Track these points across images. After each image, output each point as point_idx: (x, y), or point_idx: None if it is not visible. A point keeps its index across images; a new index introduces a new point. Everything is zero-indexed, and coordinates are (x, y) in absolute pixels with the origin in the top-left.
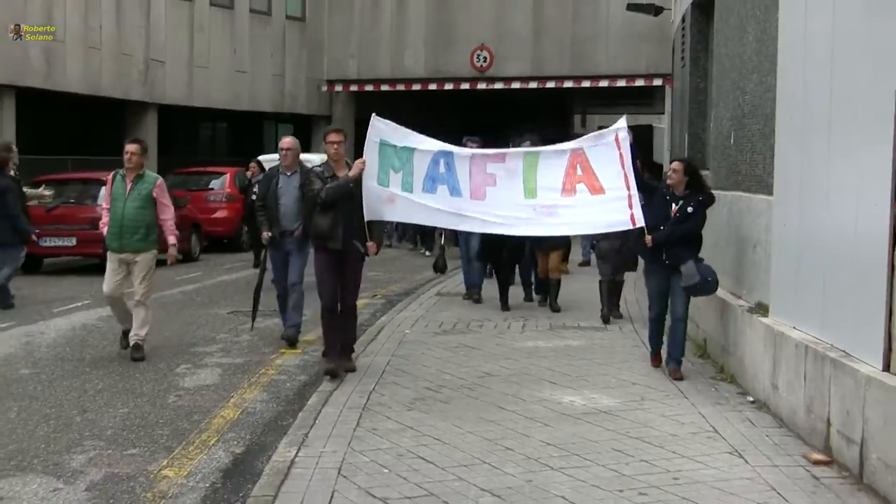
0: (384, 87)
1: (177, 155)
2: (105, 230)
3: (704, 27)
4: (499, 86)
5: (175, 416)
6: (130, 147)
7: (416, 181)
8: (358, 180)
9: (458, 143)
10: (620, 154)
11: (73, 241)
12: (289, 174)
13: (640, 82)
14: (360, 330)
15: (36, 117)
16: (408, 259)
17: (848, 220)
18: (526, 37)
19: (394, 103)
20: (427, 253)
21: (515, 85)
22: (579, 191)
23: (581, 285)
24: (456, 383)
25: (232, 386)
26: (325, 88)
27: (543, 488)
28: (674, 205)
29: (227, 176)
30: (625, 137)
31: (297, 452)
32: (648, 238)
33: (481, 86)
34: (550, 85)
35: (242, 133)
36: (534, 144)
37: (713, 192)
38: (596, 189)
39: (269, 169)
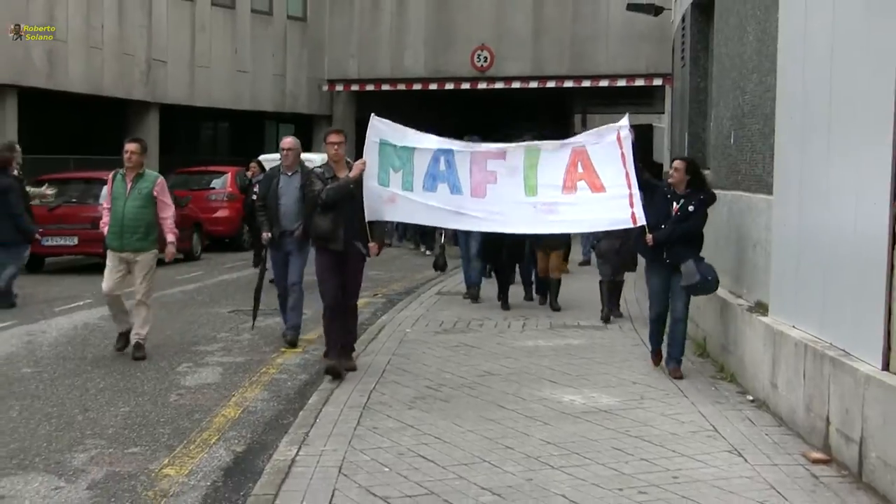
0: (385, 87)
1: (178, 154)
2: (106, 230)
3: (704, 27)
4: (499, 86)
5: (176, 414)
6: (130, 146)
7: (417, 180)
8: (358, 181)
9: None
10: (622, 152)
11: (75, 241)
12: (289, 174)
13: (640, 82)
14: (360, 329)
15: (38, 117)
16: (408, 258)
17: (847, 220)
18: (526, 37)
19: (394, 103)
20: (428, 252)
21: (516, 85)
22: (580, 188)
23: (581, 284)
24: (456, 382)
25: (233, 385)
26: (325, 88)
27: (543, 487)
28: (675, 203)
29: (229, 175)
30: (627, 136)
31: (297, 451)
32: (649, 237)
33: (481, 86)
34: (551, 85)
35: (244, 133)
36: None
37: (714, 191)
38: (597, 187)
39: (270, 169)
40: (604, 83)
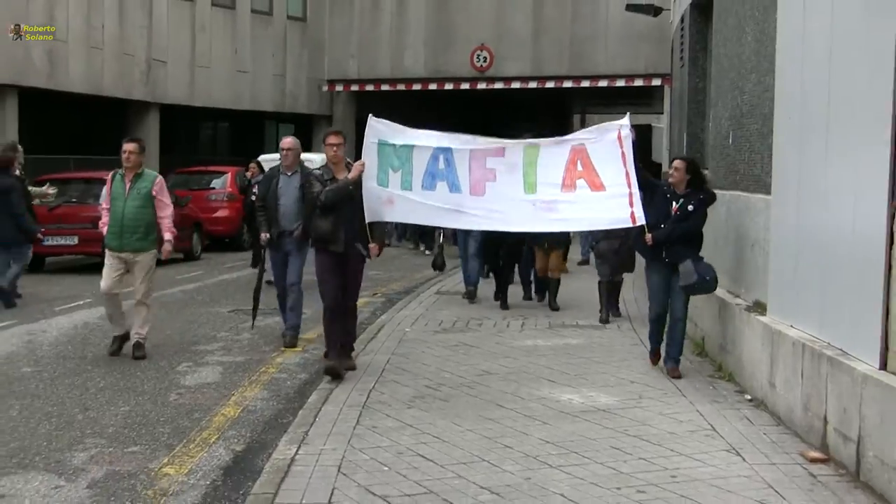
0: (384, 87)
1: (178, 154)
2: (105, 230)
3: (703, 27)
4: (498, 86)
5: (176, 413)
6: (128, 146)
7: (416, 179)
8: (358, 182)
9: None
10: (622, 151)
11: (75, 240)
12: (289, 174)
13: (639, 82)
14: (360, 328)
15: (38, 117)
16: (407, 258)
17: (845, 220)
18: (525, 37)
19: (394, 103)
20: (427, 251)
21: (515, 85)
22: (579, 187)
23: (580, 284)
24: (455, 381)
25: (233, 384)
26: (325, 88)
27: (542, 486)
28: (674, 203)
29: (229, 175)
30: (627, 135)
31: (297, 450)
32: (649, 236)
33: (481, 86)
34: (550, 85)
35: (244, 133)
36: None
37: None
38: (596, 185)
39: (270, 169)
40: (603, 83)
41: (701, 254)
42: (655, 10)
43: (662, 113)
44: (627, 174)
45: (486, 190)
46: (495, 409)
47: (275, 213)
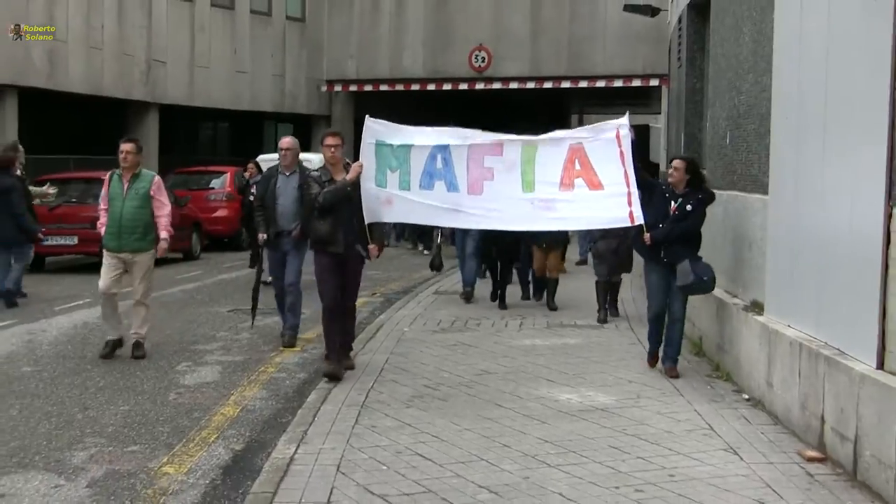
0: (383, 88)
1: (178, 154)
2: (102, 231)
3: (701, 28)
4: (497, 86)
5: (175, 413)
6: (125, 146)
7: (414, 178)
8: (356, 183)
9: None
10: (621, 150)
11: (75, 240)
12: (287, 174)
13: (636, 82)
14: (359, 328)
15: (38, 117)
16: (406, 258)
17: (842, 220)
18: (524, 37)
19: (393, 103)
20: (426, 251)
21: (513, 85)
22: (577, 186)
23: (578, 284)
24: (454, 381)
25: (232, 383)
26: (324, 88)
27: (540, 485)
28: (673, 203)
29: (228, 175)
30: (626, 134)
31: (296, 449)
32: (647, 236)
33: (479, 86)
34: (548, 85)
35: (243, 133)
36: None
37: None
38: (594, 185)
39: (268, 169)
40: (601, 84)
41: (699, 254)
42: (653, 11)
43: (660, 113)
44: (626, 173)
45: (483, 189)
46: (494, 408)
47: (273, 212)
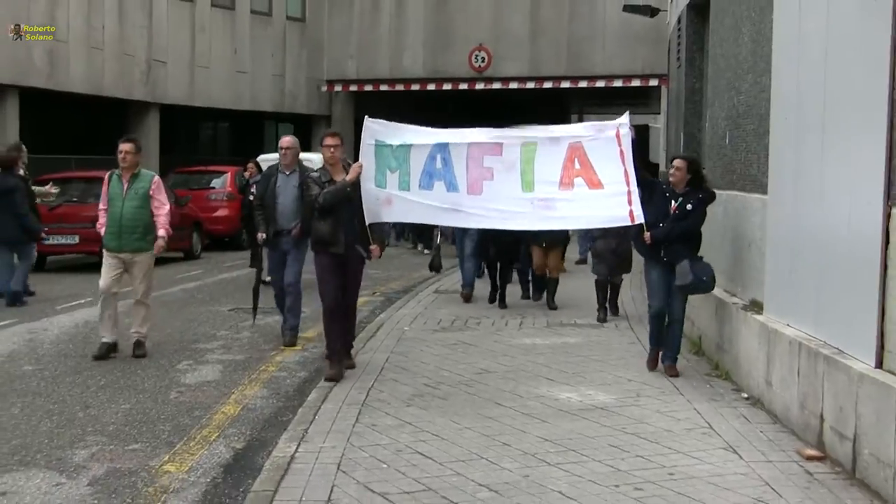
0: (383, 88)
1: (178, 154)
2: (102, 231)
3: (700, 28)
4: (496, 86)
5: (176, 411)
6: (124, 146)
7: (413, 179)
8: (356, 184)
9: None
10: (621, 150)
11: (76, 240)
12: (287, 173)
13: (636, 83)
14: (359, 327)
15: (39, 117)
16: (406, 257)
17: (841, 219)
18: (523, 37)
19: (393, 103)
20: (426, 251)
21: (513, 85)
22: (577, 185)
23: (578, 283)
24: (454, 380)
25: (233, 382)
26: (324, 88)
27: (540, 483)
28: (673, 202)
29: (228, 175)
30: (626, 133)
31: (296, 448)
32: (647, 235)
33: (479, 86)
34: (548, 85)
35: (243, 132)
36: None
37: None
38: (594, 184)
39: (268, 168)
40: (600, 84)
41: (699, 253)
42: (652, 11)
43: (659, 113)
44: (626, 172)
45: (483, 188)
46: (494, 407)
47: (273, 211)
